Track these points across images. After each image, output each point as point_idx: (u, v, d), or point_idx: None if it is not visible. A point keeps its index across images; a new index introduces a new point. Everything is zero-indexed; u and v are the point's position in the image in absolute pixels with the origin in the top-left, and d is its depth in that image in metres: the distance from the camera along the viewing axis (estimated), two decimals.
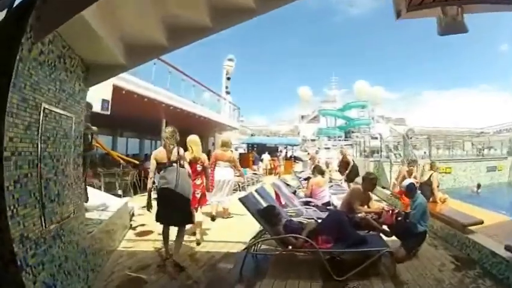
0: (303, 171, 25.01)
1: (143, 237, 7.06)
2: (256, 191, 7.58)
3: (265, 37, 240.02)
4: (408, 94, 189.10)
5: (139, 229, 7.67)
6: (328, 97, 79.14)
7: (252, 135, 37.15)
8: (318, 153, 23.55)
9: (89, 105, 5.60)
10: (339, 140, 57.36)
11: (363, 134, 49.03)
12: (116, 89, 10.08)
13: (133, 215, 8.50)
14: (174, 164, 5.65)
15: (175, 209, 5.59)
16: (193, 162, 6.86)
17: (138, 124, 19.22)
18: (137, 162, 9.86)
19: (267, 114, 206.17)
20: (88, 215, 5.43)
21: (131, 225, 7.86)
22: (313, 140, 59.33)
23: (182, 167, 5.76)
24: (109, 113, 9.71)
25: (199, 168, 7.07)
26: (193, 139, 7.17)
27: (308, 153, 38.62)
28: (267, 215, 5.76)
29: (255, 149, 27.80)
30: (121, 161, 7.67)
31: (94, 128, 5.92)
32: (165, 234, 5.68)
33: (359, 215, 6.51)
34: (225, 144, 9.55)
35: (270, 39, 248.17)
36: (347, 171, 13.98)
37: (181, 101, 14.94)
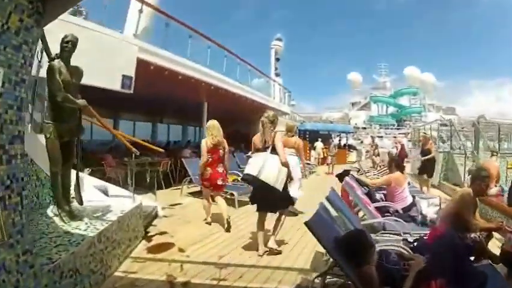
0: (357, 161, 22.78)
1: (157, 254, 4.91)
2: (328, 200, 4.66)
3: (314, 22, 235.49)
4: (454, 83, 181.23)
5: (156, 240, 5.54)
6: (378, 84, 75.37)
7: (302, 122, 34.66)
8: (376, 141, 21.39)
9: (78, 72, 4.62)
10: (392, 128, 54.08)
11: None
12: (142, 64, 8.22)
13: (155, 216, 6.59)
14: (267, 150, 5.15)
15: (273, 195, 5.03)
16: (215, 148, 6.56)
17: (177, 108, 16.81)
18: (161, 150, 7.58)
19: (315, 101, 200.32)
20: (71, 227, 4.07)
21: (147, 232, 5.76)
22: (364, 128, 55.72)
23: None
24: (131, 91, 7.97)
25: (221, 153, 6.70)
26: (213, 123, 6.76)
27: (362, 142, 36.95)
28: (354, 250, 3.21)
29: (307, 136, 25.27)
30: (132, 149, 5.69)
31: (81, 101, 4.36)
32: (261, 223, 5.21)
33: (472, 235, 4.15)
34: (290, 129, 8.01)
35: (318, 24, 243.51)
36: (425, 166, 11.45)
37: (225, 80, 12.79)
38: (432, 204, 5.70)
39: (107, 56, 7.47)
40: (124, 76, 7.80)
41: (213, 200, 6.70)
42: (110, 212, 4.78)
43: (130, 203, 5.46)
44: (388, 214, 5.87)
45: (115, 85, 7.69)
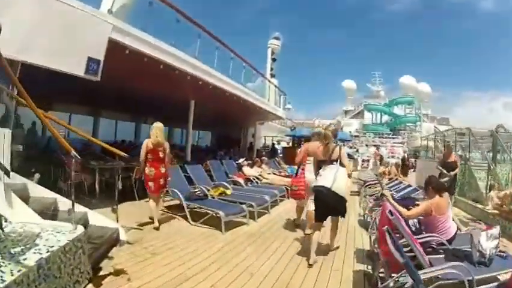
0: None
1: None
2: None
3: (307, 30, 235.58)
4: (447, 94, 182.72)
5: (107, 285, 3.87)
6: (372, 92, 74.39)
7: (292, 128, 33.03)
8: (380, 150, 20.23)
9: None
10: (387, 137, 52.77)
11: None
12: (116, 47, 6.67)
13: (114, 243, 4.89)
14: (335, 163, 5.52)
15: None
16: (155, 149, 6.80)
17: (160, 107, 14.33)
18: (123, 154, 5.85)
19: (306, 109, 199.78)
20: None
21: (99, 269, 4.12)
22: (356, 136, 54.33)
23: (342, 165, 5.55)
24: (98, 78, 6.34)
25: (161, 155, 6.89)
26: (157, 125, 7.00)
27: (357, 150, 35.67)
28: None
29: (302, 143, 23.80)
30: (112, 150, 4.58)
31: None
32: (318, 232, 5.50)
33: None
34: (326, 137, 5.97)
35: (311, 32, 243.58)
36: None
37: (215, 75, 11.08)
38: (491, 237, 4.25)
39: (72, 33, 5.91)
40: (89, 59, 6.18)
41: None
42: (35, 248, 3.15)
43: (72, 230, 3.76)
44: (430, 249, 4.54)
45: (78, 69, 6.05)
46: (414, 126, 60.57)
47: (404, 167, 14.01)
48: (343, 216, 5.80)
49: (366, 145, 36.70)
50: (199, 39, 10.27)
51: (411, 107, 63.74)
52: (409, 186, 10.63)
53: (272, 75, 26.60)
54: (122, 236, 5.07)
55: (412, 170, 22.05)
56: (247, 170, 12.45)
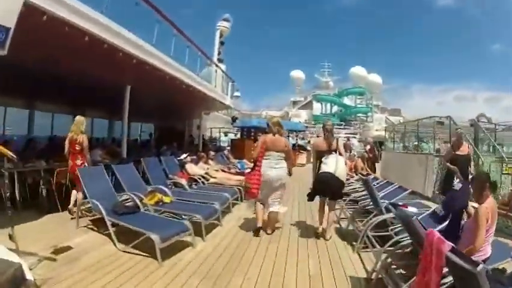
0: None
1: None
2: None
3: (254, 21, 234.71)
4: (397, 86, 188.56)
5: None
6: (321, 83, 74.68)
7: (233, 118, 31.73)
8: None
9: None
10: (339, 128, 52.57)
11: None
12: (30, 11, 5.18)
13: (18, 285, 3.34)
14: (333, 152, 6.75)
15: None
16: (73, 142, 7.50)
17: (93, 94, 12.69)
18: (10, 154, 4.58)
19: (252, 100, 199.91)
20: None
21: None
22: (306, 127, 53.51)
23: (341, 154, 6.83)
24: (4, 51, 4.70)
25: (77, 148, 7.51)
26: (78, 118, 7.81)
27: (309, 142, 34.99)
28: None
29: (252, 134, 22.58)
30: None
31: None
32: (322, 207, 6.95)
33: None
34: (280, 125, 7.13)
35: (258, 23, 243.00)
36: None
37: (155, 53, 9.71)
38: None
39: None
40: None
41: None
42: None
43: None
44: None
45: None
46: (365, 117, 61.40)
47: (370, 160, 13.07)
48: (341, 198, 7.44)
49: (318, 136, 36.15)
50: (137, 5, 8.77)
51: (362, 98, 64.32)
52: (390, 184, 9.03)
53: (220, 60, 25.29)
54: (27, 274, 3.44)
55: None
56: (191, 168, 11.06)
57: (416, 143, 16.59)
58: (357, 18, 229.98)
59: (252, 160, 7.28)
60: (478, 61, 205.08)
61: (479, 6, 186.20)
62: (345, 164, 7.00)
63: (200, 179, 10.48)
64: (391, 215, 5.77)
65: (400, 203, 6.62)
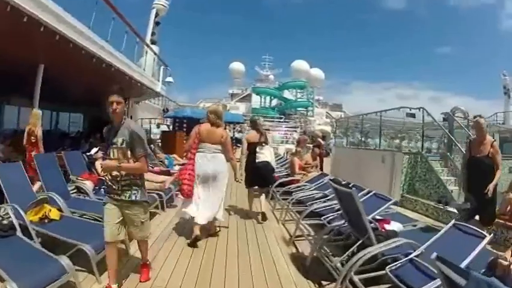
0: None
1: None
2: None
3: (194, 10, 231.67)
4: (336, 82, 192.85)
5: None
6: (261, 76, 74.37)
7: (164, 110, 30.48)
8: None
9: None
10: (279, 122, 52.56)
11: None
12: None
13: None
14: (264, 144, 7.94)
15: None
16: (29, 134, 8.50)
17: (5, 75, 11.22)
18: None
19: (188, 92, 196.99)
20: None
21: None
22: (245, 120, 52.55)
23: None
24: None
25: (33, 139, 8.44)
26: (34, 111, 8.84)
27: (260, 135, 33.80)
28: None
29: (185, 126, 21.56)
30: None
31: None
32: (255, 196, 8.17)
33: None
34: (218, 114, 6.48)
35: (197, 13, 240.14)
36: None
37: (79, 29, 8.87)
38: None
39: None
40: None
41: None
42: None
43: None
44: None
45: None
46: (305, 111, 61.45)
47: (320, 156, 11.95)
48: (272, 184, 8.88)
49: (304, 131, 35.93)
50: None
51: (302, 92, 64.37)
52: (360, 189, 6.75)
53: (153, 42, 23.82)
54: None
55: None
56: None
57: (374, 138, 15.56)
58: (303, 14, 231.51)
59: (184, 154, 7.53)
60: (421, 63, 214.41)
61: (428, 11, 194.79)
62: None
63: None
64: (381, 247, 4.25)
65: (378, 217, 5.59)
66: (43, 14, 7.25)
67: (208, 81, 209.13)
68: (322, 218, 6.30)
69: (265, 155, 7.80)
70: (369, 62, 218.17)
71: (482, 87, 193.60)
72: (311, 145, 13.66)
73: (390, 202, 5.90)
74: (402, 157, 11.14)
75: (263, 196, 8.10)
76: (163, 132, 24.16)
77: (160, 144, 19.23)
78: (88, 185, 7.70)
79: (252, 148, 7.79)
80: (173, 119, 24.57)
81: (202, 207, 6.15)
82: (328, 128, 44.57)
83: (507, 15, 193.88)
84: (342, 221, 5.28)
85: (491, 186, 5.82)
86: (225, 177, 6.41)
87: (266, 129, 40.25)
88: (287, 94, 65.75)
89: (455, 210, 7.32)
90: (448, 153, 10.94)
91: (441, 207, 9.06)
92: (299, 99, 63.54)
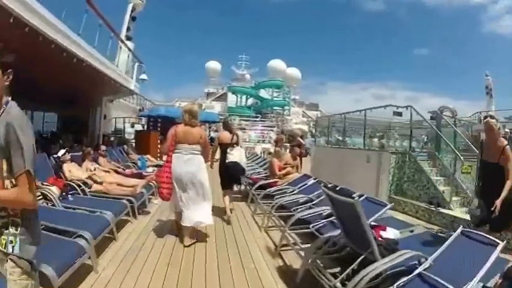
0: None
1: None
2: None
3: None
4: (313, 82, 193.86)
5: None
6: (237, 75, 74.00)
7: (140, 109, 29.92)
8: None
9: None
10: (256, 121, 52.14)
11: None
12: None
13: None
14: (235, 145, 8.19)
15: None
16: None
17: None
18: None
19: (164, 91, 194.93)
20: None
21: None
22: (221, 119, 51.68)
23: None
24: None
25: None
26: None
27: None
28: None
29: (159, 125, 21.04)
30: None
31: None
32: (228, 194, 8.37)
33: None
34: (192, 114, 6.51)
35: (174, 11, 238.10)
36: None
37: (50, 21, 8.44)
38: None
39: None
40: None
41: None
42: None
43: None
44: None
45: None
46: (281, 110, 61.64)
47: (300, 156, 11.54)
48: (240, 183, 9.79)
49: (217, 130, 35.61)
50: None
51: (279, 91, 64.25)
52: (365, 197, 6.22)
53: (128, 38, 23.12)
54: None
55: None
56: (71, 170, 8.58)
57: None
58: (281, 14, 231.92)
59: (158, 155, 6.95)
60: (399, 63, 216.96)
61: (407, 13, 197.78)
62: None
63: (80, 186, 7.81)
64: (387, 262, 3.73)
65: (373, 223, 5.05)
66: (10, 2, 6.81)
67: (184, 81, 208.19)
68: (310, 226, 5.82)
69: (234, 155, 8.02)
70: (346, 63, 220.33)
71: (460, 88, 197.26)
72: (288, 144, 13.38)
73: (386, 207, 5.54)
74: (389, 157, 10.91)
75: (226, 197, 8.30)
76: (137, 132, 23.69)
77: (133, 144, 18.81)
78: (54, 191, 6.80)
79: (224, 148, 8.14)
80: (147, 118, 24.01)
81: (186, 209, 6.19)
82: (305, 127, 44.71)
83: (488, 18, 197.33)
84: (336, 232, 4.84)
85: (498, 203, 5.22)
86: (202, 179, 6.35)
87: (242, 129, 41.42)
88: (263, 93, 65.75)
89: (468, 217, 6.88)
90: (436, 153, 10.80)
91: (433, 208, 8.93)
92: (275, 99, 63.47)
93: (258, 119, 52.00)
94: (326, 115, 20.15)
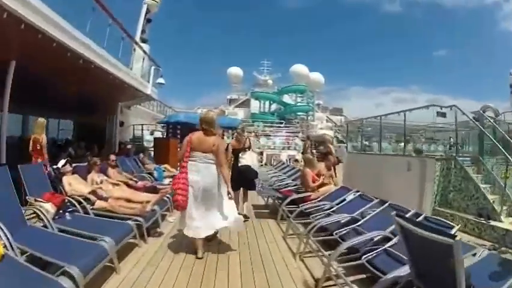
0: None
1: None
2: None
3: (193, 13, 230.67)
4: (335, 88, 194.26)
5: None
6: (259, 81, 73.36)
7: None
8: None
9: None
10: (280, 127, 51.08)
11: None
12: None
13: None
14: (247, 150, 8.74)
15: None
16: (35, 142, 9.38)
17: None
18: None
19: (186, 100, 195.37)
20: None
21: None
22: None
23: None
24: None
25: (38, 147, 9.35)
26: (39, 120, 9.82)
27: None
28: None
29: (178, 132, 20.14)
30: None
31: None
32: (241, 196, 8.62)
33: None
34: (207, 121, 6.14)
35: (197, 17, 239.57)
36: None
37: (49, 17, 7.78)
38: None
39: None
40: None
41: None
42: None
43: None
44: None
45: None
46: (305, 116, 60.60)
47: (333, 165, 10.27)
48: (254, 189, 9.21)
49: (256, 135, 34.66)
50: None
51: (302, 96, 63.38)
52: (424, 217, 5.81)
53: (143, 40, 22.39)
54: None
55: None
56: (72, 182, 7.47)
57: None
58: (299, 19, 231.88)
59: (178, 165, 6.96)
60: (419, 66, 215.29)
61: (424, 14, 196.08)
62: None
63: (81, 202, 6.69)
64: None
65: None
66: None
67: (206, 88, 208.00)
68: (362, 258, 4.72)
69: (246, 159, 8.55)
70: (365, 67, 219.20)
71: (481, 88, 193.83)
72: (314, 151, 12.56)
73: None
74: (434, 164, 9.74)
75: (246, 203, 8.79)
76: (156, 139, 22.14)
77: (152, 153, 17.89)
78: (48, 208, 5.81)
79: (236, 153, 8.54)
80: (166, 125, 23.11)
81: (196, 221, 5.87)
82: (330, 133, 43.59)
83: (504, 16, 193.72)
84: (401, 269, 3.92)
85: None
86: (217, 189, 5.97)
87: (266, 135, 40.50)
88: (287, 98, 65.00)
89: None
90: (480, 157, 9.63)
91: (484, 221, 7.86)
92: (299, 104, 62.61)
93: (282, 125, 51.23)
94: (357, 119, 18.80)
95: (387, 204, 6.44)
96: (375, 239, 5.16)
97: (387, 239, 4.98)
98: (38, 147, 9.31)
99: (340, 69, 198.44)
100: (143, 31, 23.95)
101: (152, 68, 17.61)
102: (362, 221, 6.14)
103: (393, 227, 4.93)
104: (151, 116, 30.78)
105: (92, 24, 10.12)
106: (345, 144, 21.53)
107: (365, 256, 4.76)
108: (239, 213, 6.85)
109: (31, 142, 9.36)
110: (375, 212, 6.31)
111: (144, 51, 17.47)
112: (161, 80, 18.24)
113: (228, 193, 6.01)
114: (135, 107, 23.51)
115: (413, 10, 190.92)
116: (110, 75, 11.50)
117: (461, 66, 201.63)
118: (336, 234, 5.80)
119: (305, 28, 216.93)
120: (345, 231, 5.87)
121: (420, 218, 4.97)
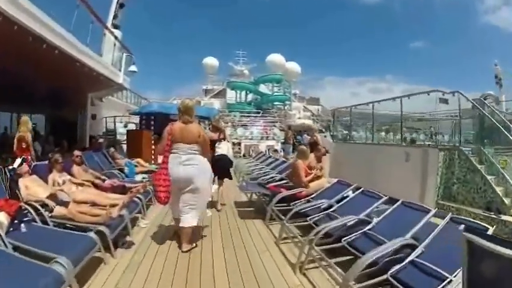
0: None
1: None
2: None
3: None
4: (310, 78, 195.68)
5: None
6: (235, 71, 72.87)
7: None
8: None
9: None
10: (257, 117, 50.59)
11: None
12: None
13: None
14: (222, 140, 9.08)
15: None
16: (20, 140, 9.42)
17: None
18: None
19: (162, 92, 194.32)
20: None
21: None
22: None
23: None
24: None
25: (23, 145, 9.36)
26: (24, 118, 9.99)
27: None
28: None
29: (153, 123, 19.12)
30: None
31: None
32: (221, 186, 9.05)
33: None
34: (188, 112, 5.88)
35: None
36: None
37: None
38: None
39: None
40: None
41: None
42: None
43: None
44: None
45: None
46: (283, 105, 60.62)
47: (317, 153, 9.45)
48: (230, 177, 9.50)
49: (233, 125, 34.26)
50: None
51: (279, 86, 63.09)
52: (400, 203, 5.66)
53: (115, 26, 21.28)
54: None
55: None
56: (28, 185, 6.18)
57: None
58: (273, 10, 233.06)
59: (152, 158, 7.01)
60: (395, 57, 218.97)
61: (402, 6, 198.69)
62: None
63: (38, 209, 5.46)
64: None
65: None
66: None
67: (182, 79, 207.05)
68: (388, 275, 3.95)
69: (222, 148, 8.86)
70: (341, 58, 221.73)
71: (457, 80, 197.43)
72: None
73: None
74: (437, 154, 9.34)
75: (221, 188, 9.05)
76: (128, 131, 20.60)
77: (125, 146, 17.05)
78: (1, 219, 4.66)
79: (212, 143, 8.36)
80: (139, 117, 22.02)
81: (184, 213, 5.82)
82: (309, 122, 43.52)
83: (485, 10, 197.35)
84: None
85: None
86: (201, 182, 5.79)
87: (244, 125, 40.14)
88: (263, 88, 64.75)
89: None
90: (482, 147, 9.21)
91: (495, 216, 7.41)
92: (276, 93, 62.29)
93: (259, 115, 50.86)
94: (343, 106, 18.12)
95: (399, 202, 5.69)
96: (396, 248, 4.33)
97: (411, 247, 4.31)
98: (24, 146, 9.38)
99: (315, 59, 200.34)
100: (115, 16, 22.77)
101: (124, 55, 16.70)
102: (373, 223, 5.41)
103: (414, 231, 4.43)
104: (125, 107, 29.72)
105: (58, 5, 9.48)
106: (325, 134, 21.07)
107: (391, 272, 4.00)
108: (218, 202, 8.84)
109: (15, 141, 9.44)
110: (387, 212, 5.57)
111: (116, 37, 16.56)
112: (133, 68, 17.17)
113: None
114: (107, 99, 22.57)
115: (392, 2, 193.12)
116: (77, 62, 10.70)
117: (438, 57, 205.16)
118: (344, 240, 5.01)
119: (282, 21, 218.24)
120: (355, 237, 5.09)
121: (446, 219, 4.39)
